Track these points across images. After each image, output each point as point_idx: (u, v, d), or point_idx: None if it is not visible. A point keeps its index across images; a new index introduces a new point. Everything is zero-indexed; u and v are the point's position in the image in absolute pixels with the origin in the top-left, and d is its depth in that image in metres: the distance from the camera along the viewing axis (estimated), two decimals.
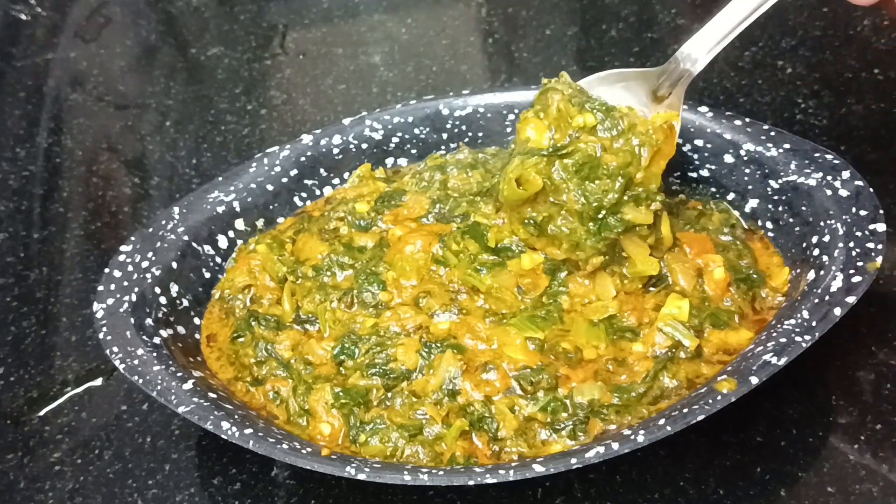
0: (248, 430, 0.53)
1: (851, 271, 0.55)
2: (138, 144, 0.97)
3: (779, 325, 0.55)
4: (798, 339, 0.52)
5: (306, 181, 0.75)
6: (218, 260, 0.70)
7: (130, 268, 0.66)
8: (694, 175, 0.70)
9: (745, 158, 0.67)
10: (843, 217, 0.59)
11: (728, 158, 0.68)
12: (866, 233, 0.57)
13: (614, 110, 0.60)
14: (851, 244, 0.57)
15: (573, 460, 0.50)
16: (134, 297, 0.63)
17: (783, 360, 0.51)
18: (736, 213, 0.67)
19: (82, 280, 0.78)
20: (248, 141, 0.94)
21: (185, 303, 0.66)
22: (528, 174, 0.60)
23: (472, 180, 0.71)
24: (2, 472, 0.62)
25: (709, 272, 0.61)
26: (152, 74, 1.10)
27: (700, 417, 0.50)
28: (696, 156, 0.70)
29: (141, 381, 0.57)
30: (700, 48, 0.62)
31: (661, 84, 0.64)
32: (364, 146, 0.77)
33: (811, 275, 0.58)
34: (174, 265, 0.67)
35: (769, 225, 0.65)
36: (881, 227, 0.57)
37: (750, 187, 0.67)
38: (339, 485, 0.57)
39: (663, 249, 0.62)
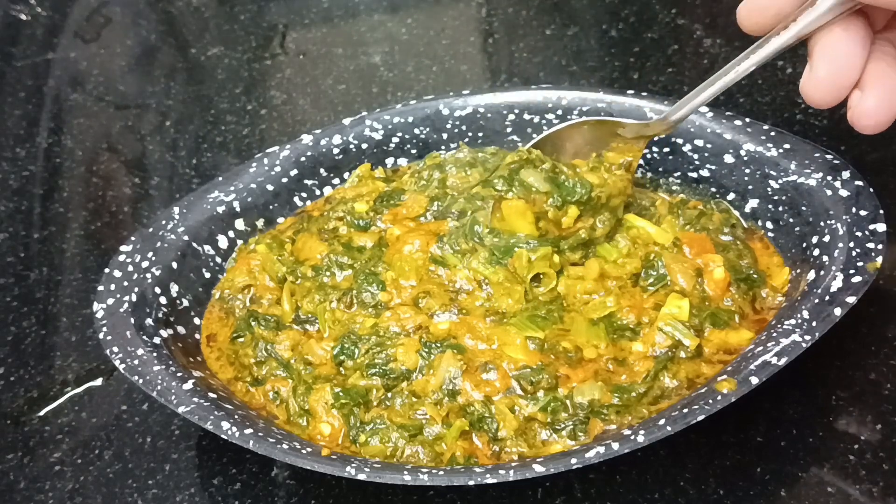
0: (248, 430, 0.53)
1: (851, 271, 0.55)
2: (138, 144, 0.97)
3: (779, 325, 0.54)
4: (798, 339, 0.52)
5: (306, 181, 0.75)
6: (218, 260, 0.70)
7: (130, 268, 0.66)
8: (694, 175, 0.70)
9: (745, 158, 0.67)
10: (844, 217, 0.59)
11: (728, 158, 0.68)
12: (866, 233, 0.57)
13: (592, 191, 0.64)
14: (851, 244, 0.57)
15: (573, 460, 0.50)
16: (134, 297, 0.63)
17: (783, 360, 0.51)
18: (736, 213, 0.67)
19: (82, 280, 0.78)
20: (248, 141, 0.94)
21: (185, 303, 0.66)
22: (543, 268, 0.62)
23: (470, 179, 0.71)
24: (2, 472, 0.62)
25: (709, 272, 0.61)
26: (152, 74, 1.10)
27: (700, 417, 0.50)
28: (696, 156, 0.70)
29: (141, 381, 0.57)
30: (678, 116, 0.63)
31: (626, 129, 0.66)
32: (364, 146, 0.77)
33: (811, 275, 0.58)
34: (174, 265, 0.67)
35: (769, 225, 0.65)
36: (881, 227, 0.57)
37: (750, 187, 0.67)
38: (339, 485, 0.57)
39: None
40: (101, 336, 0.60)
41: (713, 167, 0.69)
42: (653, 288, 0.61)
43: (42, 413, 0.66)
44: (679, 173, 0.71)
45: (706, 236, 0.64)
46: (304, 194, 0.75)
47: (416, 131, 0.78)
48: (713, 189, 0.69)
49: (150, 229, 0.69)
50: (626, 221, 0.65)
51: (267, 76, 1.06)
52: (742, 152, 0.67)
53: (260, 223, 0.73)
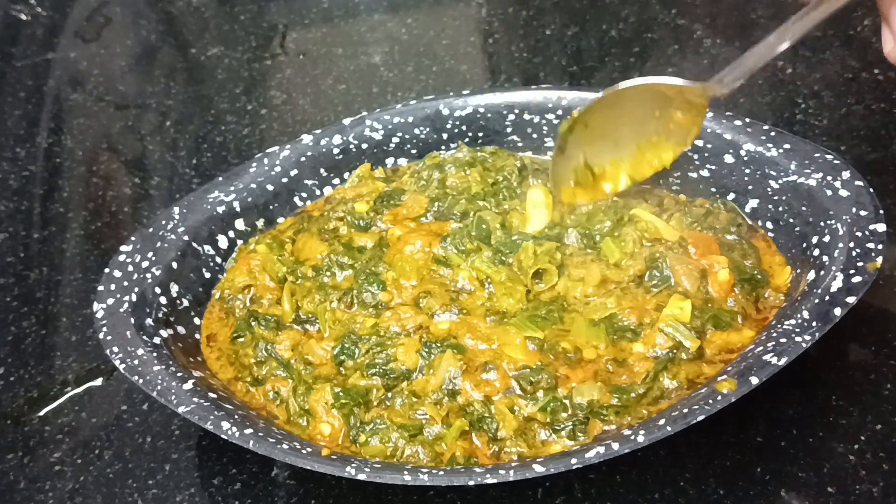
0: (249, 430, 0.53)
1: (851, 271, 0.55)
2: (138, 144, 0.97)
3: (779, 325, 0.54)
4: (798, 339, 0.52)
5: (306, 181, 0.75)
6: (218, 260, 0.70)
7: (130, 268, 0.66)
8: (694, 175, 0.70)
9: (745, 158, 0.67)
10: (843, 217, 0.59)
11: (728, 158, 0.68)
12: (866, 233, 0.57)
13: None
14: (851, 244, 0.57)
15: (573, 460, 0.49)
16: (134, 297, 0.63)
17: (783, 360, 0.51)
18: (741, 212, 0.67)
19: (82, 280, 0.78)
20: (248, 141, 0.94)
21: (185, 303, 0.66)
22: (545, 263, 0.63)
23: (470, 178, 0.71)
24: (2, 472, 0.62)
25: (713, 273, 0.61)
26: (152, 74, 1.10)
27: (700, 418, 0.50)
28: (696, 156, 0.70)
29: (141, 381, 0.57)
30: (730, 79, 0.60)
31: (689, 90, 0.63)
32: (364, 146, 0.77)
33: (811, 275, 0.58)
34: (174, 265, 0.67)
35: (769, 225, 0.65)
36: (881, 227, 0.57)
37: (750, 187, 0.67)
38: (340, 485, 0.57)
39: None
40: (101, 336, 0.60)
41: (713, 167, 0.69)
42: (656, 289, 0.61)
43: (42, 413, 0.66)
44: (679, 173, 0.71)
45: (712, 237, 0.64)
46: (304, 194, 0.75)
47: (416, 131, 0.78)
48: (713, 189, 0.69)
49: (150, 229, 0.69)
50: (635, 216, 0.65)
51: (267, 76, 1.06)
52: (742, 152, 0.67)
53: (260, 223, 0.73)
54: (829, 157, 0.63)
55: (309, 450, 0.53)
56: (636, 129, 0.66)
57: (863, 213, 0.58)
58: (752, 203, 0.67)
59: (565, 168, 0.68)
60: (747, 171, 0.67)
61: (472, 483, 0.49)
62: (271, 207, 0.74)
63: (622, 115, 0.66)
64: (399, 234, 0.67)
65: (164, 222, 0.70)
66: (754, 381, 0.50)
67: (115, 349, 0.59)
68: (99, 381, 0.68)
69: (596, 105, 0.65)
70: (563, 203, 0.68)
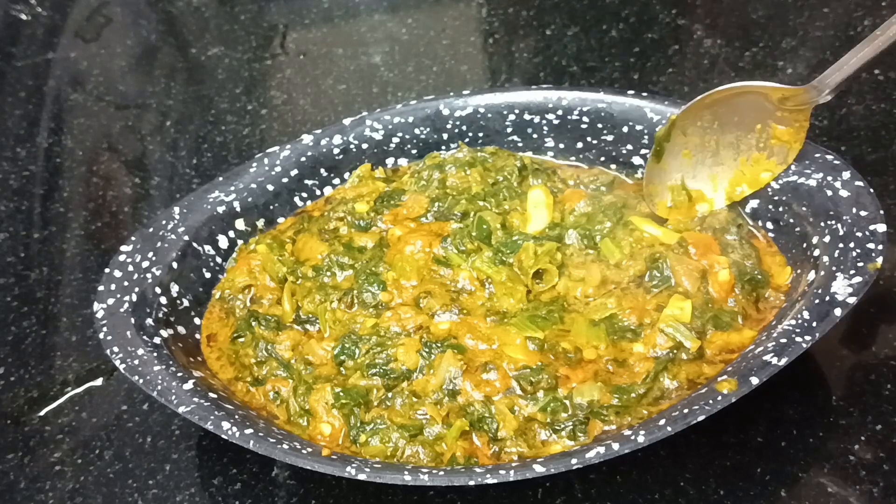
0: (249, 430, 0.53)
1: (852, 272, 0.55)
2: (138, 144, 0.97)
3: (779, 326, 0.55)
4: (798, 339, 0.52)
5: (306, 181, 0.75)
6: (218, 260, 0.70)
7: (131, 268, 0.66)
8: None
9: None
10: (844, 217, 0.59)
11: None
12: (866, 233, 0.57)
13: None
14: (852, 244, 0.57)
15: (573, 460, 0.50)
16: (134, 297, 0.63)
17: (783, 361, 0.51)
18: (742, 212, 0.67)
19: (82, 280, 0.78)
20: (248, 141, 0.94)
21: (186, 303, 0.66)
22: (545, 263, 0.63)
23: (470, 178, 0.71)
24: (2, 472, 0.62)
25: (713, 273, 0.61)
26: (152, 74, 1.10)
27: (700, 418, 0.50)
28: None
29: (141, 381, 0.57)
30: (832, 82, 0.60)
31: (789, 99, 0.62)
32: (364, 146, 0.77)
33: (811, 275, 0.58)
34: (174, 265, 0.67)
35: (769, 225, 0.65)
36: (881, 227, 0.57)
37: None
38: (340, 485, 0.57)
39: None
40: (101, 336, 0.60)
41: None
42: (656, 289, 0.61)
43: (42, 413, 0.66)
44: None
45: (712, 237, 0.64)
46: (304, 194, 0.75)
47: (417, 131, 0.78)
48: None
49: (151, 229, 0.69)
50: (631, 224, 0.65)
51: (267, 76, 1.06)
52: None
53: (260, 223, 0.73)
54: (829, 157, 0.63)
55: (309, 450, 0.53)
56: (736, 144, 0.65)
57: (863, 213, 0.58)
58: (752, 203, 0.67)
59: (661, 182, 0.67)
60: None
61: (472, 483, 0.49)
62: (271, 207, 0.74)
63: (721, 125, 0.65)
64: (399, 235, 0.67)
65: (164, 222, 0.70)
66: (754, 381, 0.50)
67: (116, 349, 0.59)
68: (99, 381, 0.68)
69: (692, 109, 0.65)
70: (658, 215, 0.67)
